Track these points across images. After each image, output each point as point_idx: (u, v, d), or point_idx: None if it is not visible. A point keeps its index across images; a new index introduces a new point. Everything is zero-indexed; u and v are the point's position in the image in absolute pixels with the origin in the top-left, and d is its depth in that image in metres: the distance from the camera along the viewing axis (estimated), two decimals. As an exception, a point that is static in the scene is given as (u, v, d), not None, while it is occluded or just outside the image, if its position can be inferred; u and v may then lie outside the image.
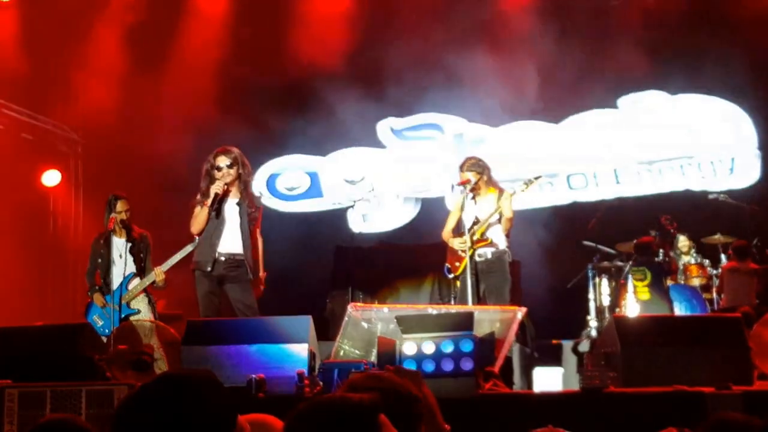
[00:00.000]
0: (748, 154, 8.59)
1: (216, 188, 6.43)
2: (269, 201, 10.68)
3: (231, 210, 6.57)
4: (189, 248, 7.00)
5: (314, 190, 10.59)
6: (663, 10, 8.78)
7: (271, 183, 10.68)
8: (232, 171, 6.50)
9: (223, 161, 6.49)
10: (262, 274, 6.74)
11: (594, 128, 9.50)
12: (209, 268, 6.44)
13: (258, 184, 10.39)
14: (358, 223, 10.44)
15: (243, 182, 6.60)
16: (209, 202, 6.43)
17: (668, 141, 8.86)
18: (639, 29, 8.83)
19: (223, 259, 6.48)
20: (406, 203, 10.46)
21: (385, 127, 10.46)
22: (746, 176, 8.63)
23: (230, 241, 6.51)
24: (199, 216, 6.53)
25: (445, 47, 9.69)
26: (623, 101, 9.38)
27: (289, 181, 10.54)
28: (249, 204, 6.63)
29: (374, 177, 10.47)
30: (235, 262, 6.50)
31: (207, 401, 1.96)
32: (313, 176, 10.62)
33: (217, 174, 6.49)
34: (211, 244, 6.48)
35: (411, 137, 10.41)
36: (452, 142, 10.18)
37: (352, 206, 10.41)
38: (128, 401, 1.97)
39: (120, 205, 7.25)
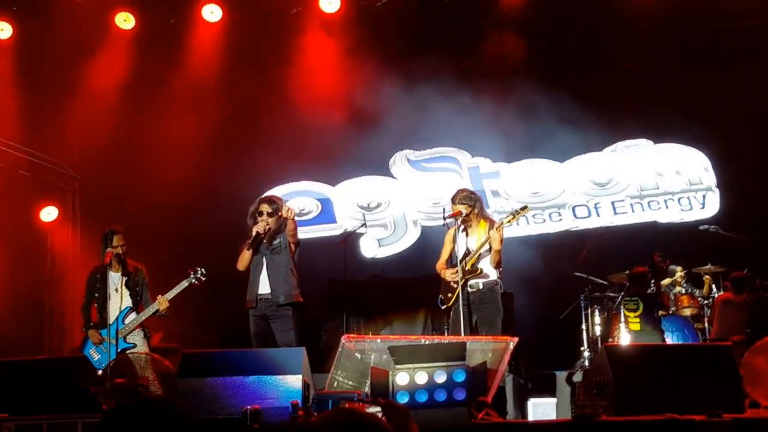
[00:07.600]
0: (712, 191, 10.24)
1: (258, 228, 6.95)
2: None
3: (267, 255, 7.01)
4: (185, 284, 7.26)
5: (326, 215, 10.76)
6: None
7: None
8: (271, 220, 6.99)
9: (265, 209, 7.02)
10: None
11: (593, 167, 10.58)
12: (254, 305, 6.95)
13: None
14: (372, 249, 10.66)
15: (280, 230, 7.04)
16: (250, 241, 6.96)
17: (653, 181, 10.41)
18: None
19: (262, 299, 6.96)
20: (416, 228, 10.73)
21: (401, 157, 10.80)
22: (712, 209, 10.17)
23: (267, 284, 6.97)
24: (244, 256, 7.04)
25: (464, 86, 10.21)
26: (618, 146, 10.46)
27: (300, 204, 10.70)
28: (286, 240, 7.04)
29: (389, 204, 10.80)
30: (272, 302, 6.94)
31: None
32: (325, 202, 10.82)
33: (259, 218, 7.02)
34: (253, 283, 7.02)
35: (429, 168, 10.78)
36: (468, 174, 10.64)
37: (364, 233, 10.54)
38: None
39: (117, 240, 7.35)
